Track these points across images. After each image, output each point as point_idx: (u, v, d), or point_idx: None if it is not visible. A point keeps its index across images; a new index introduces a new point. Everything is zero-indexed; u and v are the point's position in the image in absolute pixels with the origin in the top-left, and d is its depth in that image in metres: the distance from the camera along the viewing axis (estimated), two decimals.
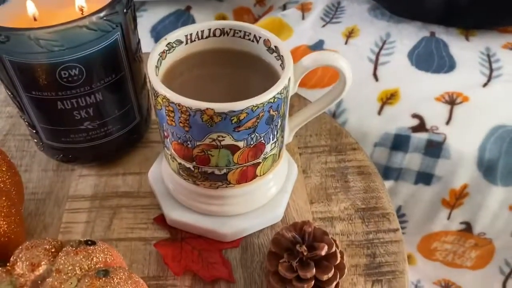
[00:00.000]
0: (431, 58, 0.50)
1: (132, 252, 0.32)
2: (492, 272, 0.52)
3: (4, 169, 0.30)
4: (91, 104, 0.32)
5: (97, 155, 0.37)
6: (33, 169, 0.37)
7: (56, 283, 0.22)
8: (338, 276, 0.28)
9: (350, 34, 0.54)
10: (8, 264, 0.24)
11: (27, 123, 0.35)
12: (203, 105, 0.26)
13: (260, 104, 0.26)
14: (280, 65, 0.30)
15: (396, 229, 0.34)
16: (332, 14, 0.57)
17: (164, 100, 0.27)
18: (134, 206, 0.35)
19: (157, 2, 0.59)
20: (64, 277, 0.23)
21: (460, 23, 0.54)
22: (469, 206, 0.47)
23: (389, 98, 0.47)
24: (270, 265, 0.28)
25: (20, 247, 0.25)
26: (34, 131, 0.35)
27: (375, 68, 0.50)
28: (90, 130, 0.34)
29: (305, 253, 0.27)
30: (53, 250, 0.24)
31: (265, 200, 0.33)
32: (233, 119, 0.26)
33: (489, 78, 0.48)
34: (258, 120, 0.27)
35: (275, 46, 0.30)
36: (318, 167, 0.38)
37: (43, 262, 0.23)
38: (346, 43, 0.52)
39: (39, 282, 0.23)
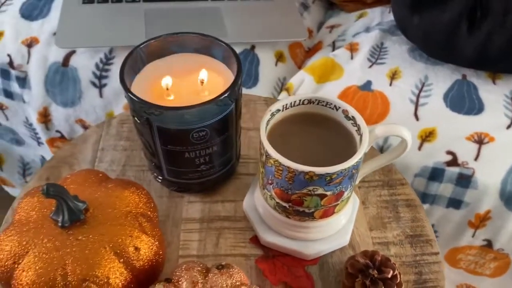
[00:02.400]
0: (463, 101, 0.59)
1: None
2: (508, 280, 0.61)
3: (145, 200, 0.41)
4: (208, 153, 0.42)
5: (203, 187, 0.47)
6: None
7: None
8: None
9: (393, 76, 0.63)
10: (173, 280, 0.34)
11: (153, 164, 0.45)
12: (307, 168, 0.35)
13: (348, 167, 0.36)
14: (356, 131, 0.39)
15: (437, 252, 0.44)
16: (377, 55, 0.66)
17: (276, 162, 0.37)
18: (233, 228, 0.45)
19: None
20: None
21: (489, 68, 0.62)
22: (491, 227, 0.56)
23: (427, 136, 0.57)
24: (348, 281, 0.39)
25: (180, 268, 0.35)
26: (158, 169, 0.45)
27: (416, 109, 0.59)
28: (203, 171, 0.44)
29: (375, 275, 0.37)
30: (204, 271, 0.35)
31: (337, 229, 0.43)
32: (327, 178, 0.36)
33: None
34: (344, 178, 0.37)
35: (352, 116, 0.40)
36: (374, 199, 0.48)
37: (200, 281, 0.34)
38: (390, 84, 0.62)
39: None
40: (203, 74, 0.42)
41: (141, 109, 0.38)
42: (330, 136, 0.42)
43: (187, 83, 0.43)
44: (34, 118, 0.72)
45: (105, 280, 0.33)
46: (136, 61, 0.42)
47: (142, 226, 0.36)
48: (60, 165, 0.51)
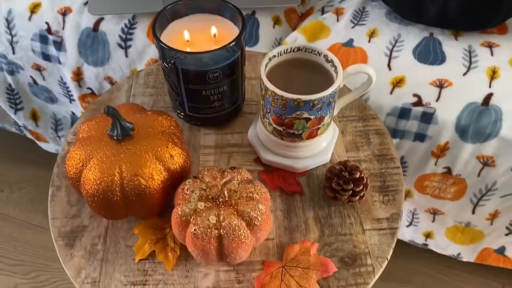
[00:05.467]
0: (428, 54, 0.71)
1: None
2: (465, 202, 0.74)
3: (174, 124, 0.53)
4: (220, 92, 0.54)
5: (216, 121, 0.59)
6: None
7: (227, 186, 0.45)
8: (364, 190, 0.51)
9: (372, 34, 0.74)
10: (196, 177, 0.47)
11: (177, 102, 0.57)
12: (295, 96, 0.48)
13: (326, 95, 0.48)
14: (334, 70, 0.51)
15: (398, 166, 0.56)
16: (359, 17, 0.78)
17: (272, 93, 0.49)
18: (241, 152, 0.58)
19: None
20: (233, 182, 0.45)
21: (451, 27, 0.74)
22: (449, 156, 0.69)
23: (398, 83, 0.69)
24: (327, 183, 0.51)
25: (203, 169, 0.47)
26: (181, 106, 0.57)
27: (389, 61, 0.71)
28: (216, 107, 0.56)
29: (347, 176, 0.50)
30: (221, 171, 0.47)
31: (321, 149, 0.56)
32: (310, 104, 0.48)
33: (468, 69, 0.69)
34: (323, 104, 0.49)
35: (331, 59, 0.52)
36: (351, 130, 0.60)
37: (217, 177, 0.46)
38: (369, 41, 0.73)
39: (219, 187, 0.46)
40: (215, 30, 0.54)
41: (169, 55, 0.50)
42: (314, 75, 0.53)
43: (203, 36, 0.55)
44: (68, 77, 0.84)
45: (150, 176, 0.46)
46: (163, 20, 0.54)
47: (174, 141, 0.49)
48: (101, 108, 0.63)
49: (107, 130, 0.47)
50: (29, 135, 1.03)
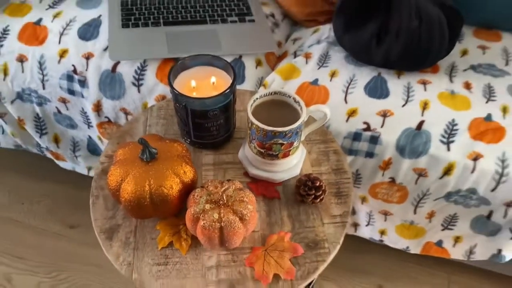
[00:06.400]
0: (376, 90, 0.91)
1: None
2: (408, 205, 0.94)
3: (185, 149, 0.71)
4: (218, 124, 0.73)
5: (214, 145, 0.78)
6: None
7: (225, 193, 0.64)
8: (323, 194, 0.70)
9: (333, 75, 0.94)
10: (203, 186, 0.65)
11: (185, 131, 0.76)
12: (272, 128, 0.67)
13: (294, 128, 0.67)
14: (300, 109, 0.71)
15: (349, 177, 0.75)
16: (323, 60, 0.97)
17: (256, 126, 0.68)
18: (233, 168, 0.76)
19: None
20: (229, 190, 0.64)
21: (395, 68, 0.94)
22: (392, 169, 0.89)
23: (352, 113, 0.88)
24: (296, 189, 0.70)
25: (207, 181, 0.66)
26: (188, 134, 0.76)
27: (346, 96, 0.90)
28: (215, 135, 0.75)
29: (310, 184, 0.69)
30: (221, 182, 0.66)
31: (292, 165, 0.75)
32: (283, 133, 0.67)
33: (406, 102, 0.89)
34: (292, 133, 0.68)
35: (298, 101, 0.71)
36: (315, 150, 0.79)
37: (218, 186, 0.65)
38: (330, 80, 0.93)
39: (220, 194, 0.64)
40: (214, 79, 0.73)
41: (181, 99, 0.69)
42: (286, 112, 0.72)
43: (205, 84, 0.74)
44: (89, 108, 1.01)
45: (170, 187, 0.64)
46: (175, 71, 0.73)
47: (185, 161, 0.67)
48: (124, 135, 0.81)
49: (139, 155, 0.66)
50: (49, 155, 1.20)
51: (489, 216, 0.89)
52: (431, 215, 0.94)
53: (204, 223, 0.61)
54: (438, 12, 0.88)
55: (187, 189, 0.66)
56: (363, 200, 0.97)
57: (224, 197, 0.63)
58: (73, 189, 1.33)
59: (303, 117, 0.68)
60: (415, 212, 0.94)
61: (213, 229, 0.61)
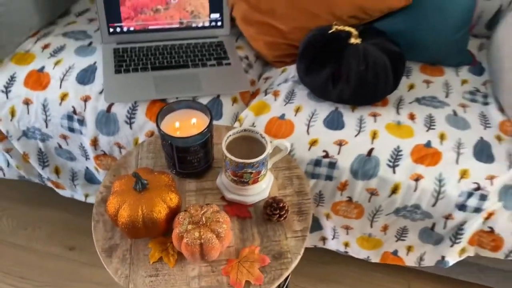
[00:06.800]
0: (334, 123, 1.06)
1: None
2: (365, 220, 1.09)
3: (171, 179, 0.85)
4: (199, 157, 0.87)
5: (196, 175, 0.92)
6: None
7: (204, 215, 0.78)
8: (286, 213, 0.84)
9: (297, 110, 1.09)
10: (186, 210, 0.79)
11: (171, 163, 0.90)
12: (242, 161, 0.81)
13: (260, 159, 0.82)
14: (265, 143, 0.85)
15: (309, 198, 0.90)
16: (289, 97, 1.13)
17: (229, 159, 0.82)
18: (212, 193, 0.90)
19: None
20: (207, 212, 0.78)
21: (349, 104, 1.10)
22: (349, 189, 1.03)
23: (313, 143, 1.04)
24: (264, 210, 0.84)
25: (189, 205, 0.80)
26: (173, 166, 0.90)
27: (308, 128, 1.06)
28: (196, 166, 0.89)
29: (275, 205, 0.83)
30: (200, 206, 0.80)
31: (261, 190, 0.89)
32: (252, 164, 0.82)
33: (359, 132, 1.05)
34: (259, 164, 0.83)
35: (264, 137, 0.86)
36: (281, 176, 0.94)
37: (198, 210, 0.79)
38: (295, 115, 1.08)
39: (200, 216, 0.78)
40: (194, 120, 0.88)
41: (167, 138, 0.83)
42: (254, 146, 0.87)
43: (187, 124, 0.88)
44: (87, 143, 1.15)
45: (159, 212, 0.78)
46: (163, 114, 0.87)
47: (171, 189, 0.81)
48: (119, 168, 0.95)
49: (132, 185, 0.79)
50: (50, 184, 1.33)
51: (432, 227, 1.04)
52: (385, 228, 1.09)
53: (187, 241, 0.75)
54: (383, 57, 1.04)
55: (173, 213, 0.80)
56: (328, 216, 1.11)
57: (204, 219, 0.77)
58: (71, 215, 1.46)
59: (268, 151, 0.83)
60: (371, 226, 1.09)
61: (195, 245, 0.75)
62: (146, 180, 0.80)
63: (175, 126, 0.87)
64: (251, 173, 0.83)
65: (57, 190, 1.35)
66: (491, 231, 0.99)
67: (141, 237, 0.81)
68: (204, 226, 0.76)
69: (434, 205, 0.99)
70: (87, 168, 1.26)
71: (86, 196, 1.32)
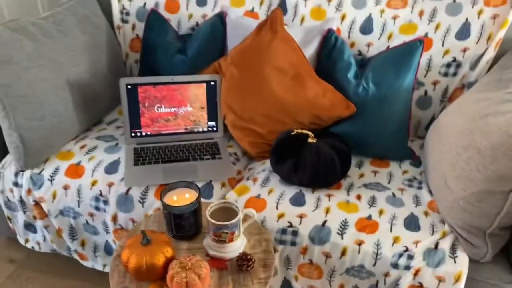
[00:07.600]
0: (298, 201, 1.36)
1: None
2: (325, 279, 1.32)
3: (169, 239, 1.15)
4: (190, 223, 1.18)
5: (188, 237, 1.21)
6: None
7: (190, 261, 1.06)
8: (253, 265, 1.11)
9: (270, 191, 1.41)
10: (179, 259, 1.08)
11: (170, 228, 1.20)
12: (220, 223, 1.11)
13: (234, 222, 1.12)
14: (238, 211, 1.16)
15: (272, 256, 1.17)
16: (265, 182, 1.45)
17: (212, 223, 1.12)
18: (199, 251, 1.18)
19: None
20: (192, 260, 1.06)
21: (309, 187, 1.41)
22: (309, 253, 1.30)
23: (281, 216, 1.33)
24: (236, 261, 1.12)
25: (180, 257, 1.08)
26: (171, 230, 1.20)
27: (277, 206, 1.36)
28: (188, 230, 1.19)
29: (245, 258, 1.11)
30: (188, 257, 1.08)
31: (236, 248, 1.17)
32: (228, 226, 1.12)
33: (316, 208, 1.34)
34: (233, 226, 1.12)
35: (237, 207, 1.17)
36: (253, 239, 1.22)
37: (187, 259, 1.07)
38: (268, 195, 1.39)
39: (187, 262, 1.06)
40: (187, 195, 1.20)
41: (167, 208, 1.15)
42: (230, 214, 1.18)
43: (182, 197, 1.20)
44: (108, 220, 1.47)
45: (158, 260, 1.07)
46: (165, 191, 1.20)
47: (168, 245, 1.10)
48: (131, 235, 1.25)
49: (140, 241, 1.09)
50: (76, 256, 1.62)
51: (377, 284, 1.28)
52: (342, 286, 1.33)
53: (176, 280, 1.03)
54: (331, 152, 1.38)
55: (169, 261, 1.09)
56: (296, 278, 1.36)
57: (189, 264, 1.05)
58: (90, 284, 1.71)
59: (239, 216, 1.14)
60: (330, 285, 1.33)
61: (182, 283, 1.02)
62: (150, 237, 1.10)
63: (173, 199, 1.20)
64: (227, 233, 1.13)
65: (81, 261, 1.63)
66: (420, 285, 1.23)
67: (144, 280, 1.09)
68: (189, 269, 1.04)
69: (374, 264, 1.25)
70: (106, 241, 1.55)
71: (104, 266, 1.60)
